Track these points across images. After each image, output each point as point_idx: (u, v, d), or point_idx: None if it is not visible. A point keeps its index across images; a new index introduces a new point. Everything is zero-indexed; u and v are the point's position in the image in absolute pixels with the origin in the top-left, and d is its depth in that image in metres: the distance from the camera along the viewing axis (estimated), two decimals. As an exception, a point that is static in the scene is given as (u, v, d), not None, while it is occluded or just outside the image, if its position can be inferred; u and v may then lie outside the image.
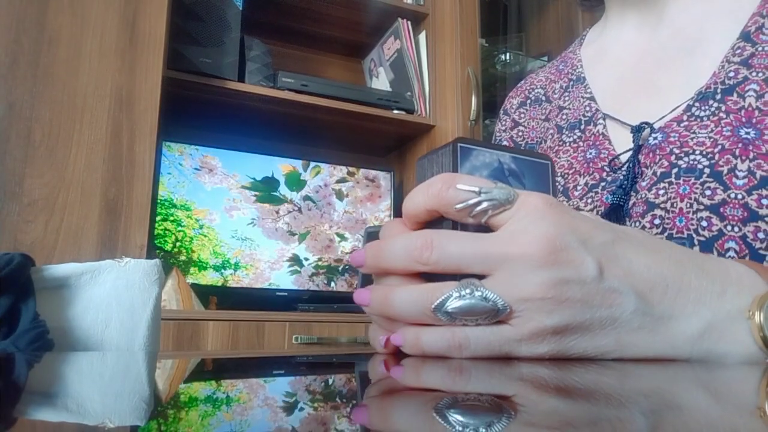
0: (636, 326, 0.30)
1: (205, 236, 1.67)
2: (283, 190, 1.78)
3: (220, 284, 1.66)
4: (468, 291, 0.29)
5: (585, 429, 0.15)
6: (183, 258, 1.63)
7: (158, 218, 1.62)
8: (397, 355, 0.33)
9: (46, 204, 1.26)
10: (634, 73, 0.59)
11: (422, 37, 1.95)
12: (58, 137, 1.29)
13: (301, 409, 0.19)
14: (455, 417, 0.16)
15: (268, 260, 1.73)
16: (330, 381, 0.28)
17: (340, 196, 1.86)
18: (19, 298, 0.53)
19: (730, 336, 0.31)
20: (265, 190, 1.75)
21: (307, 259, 1.77)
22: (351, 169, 1.90)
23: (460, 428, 0.15)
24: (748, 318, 0.31)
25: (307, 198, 1.80)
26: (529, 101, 0.70)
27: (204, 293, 1.60)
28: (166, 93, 1.43)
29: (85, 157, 1.31)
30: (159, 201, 1.63)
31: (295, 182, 1.80)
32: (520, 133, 0.69)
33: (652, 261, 0.32)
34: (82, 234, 1.27)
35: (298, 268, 1.75)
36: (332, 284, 1.78)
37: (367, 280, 0.37)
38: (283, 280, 1.73)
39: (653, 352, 0.31)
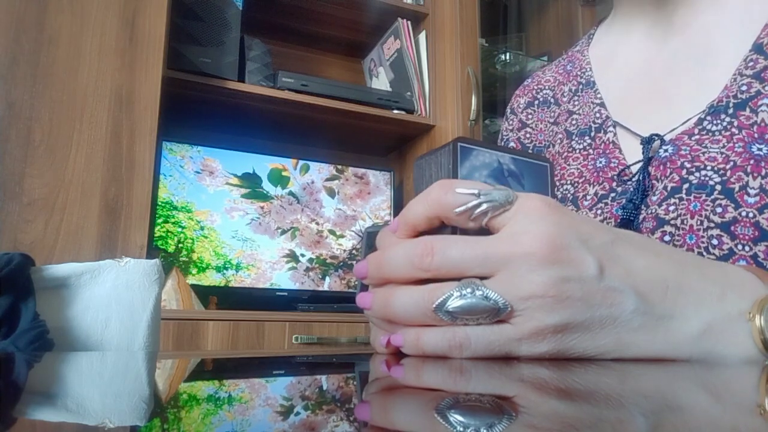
0: (636, 326, 0.30)
1: (206, 237, 1.67)
2: (267, 186, 1.78)
3: (222, 285, 1.66)
4: (469, 290, 0.29)
5: (586, 430, 0.15)
6: (186, 260, 1.63)
7: (160, 220, 1.62)
8: (398, 355, 0.33)
9: (46, 204, 1.26)
10: (643, 80, 0.58)
11: (422, 37, 1.95)
12: (58, 137, 1.29)
13: (302, 408, 0.19)
14: (456, 417, 0.16)
15: (269, 260, 1.73)
16: (331, 381, 0.28)
17: (330, 193, 1.86)
18: (19, 298, 0.53)
19: (729, 338, 0.31)
20: (250, 186, 1.75)
21: (303, 255, 1.77)
22: (339, 166, 1.90)
23: (462, 428, 0.15)
24: (748, 320, 0.31)
25: (290, 194, 1.80)
26: (536, 102, 0.69)
27: (204, 293, 1.60)
28: (166, 93, 1.43)
29: (85, 157, 1.31)
30: (160, 203, 1.63)
31: (278, 178, 1.80)
32: (528, 135, 0.68)
33: (653, 262, 0.32)
34: (82, 234, 1.27)
35: (295, 264, 1.76)
36: (326, 279, 1.79)
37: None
38: (284, 279, 1.74)
39: (653, 352, 0.31)
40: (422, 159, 0.37)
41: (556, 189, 0.58)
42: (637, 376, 0.25)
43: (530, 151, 0.67)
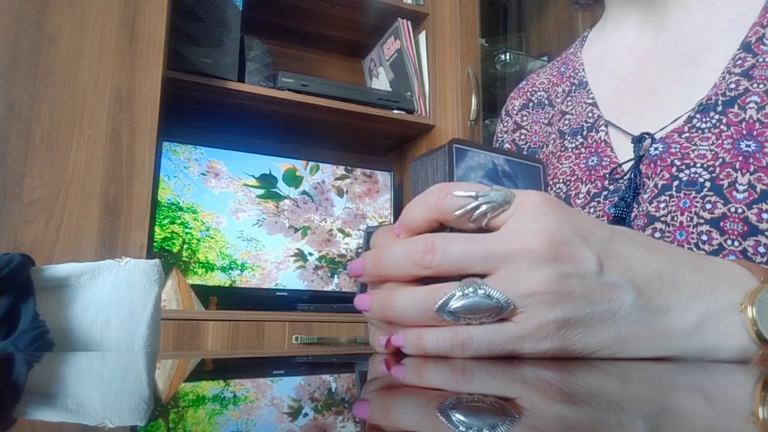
0: (634, 320, 0.30)
1: (212, 238, 1.68)
2: (282, 186, 1.79)
3: (228, 285, 1.66)
4: (471, 290, 0.29)
5: None
6: (191, 260, 1.63)
7: (165, 221, 1.62)
8: (398, 355, 0.33)
9: (46, 204, 1.26)
10: (634, 79, 0.59)
11: (422, 37, 1.95)
12: (58, 137, 1.29)
13: (302, 409, 0.19)
14: (458, 417, 0.16)
15: (274, 261, 1.73)
16: (331, 381, 0.28)
17: (339, 192, 1.87)
18: (19, 298, 0.53)
19: (723, 329, 0.32)
20: (265, 187, 1.76)
21: (311, 254, 1.78)
22: (349, 166, 1.91)
23: (464, 429, 0.15)
24: (741, 312, 0.32)
25: (304, 193, 1.81)
26: (531, 104, 0.70)
27: (205, 293, 1.60)
28: (166, 93, 1.43)
29: (85, 157, 1.31)
30: (166, 204, 1.63)
31: (292, 179, 1.81)
32: (523, 137, 0.69)
33: (648, 257, 0.32)
34: (82, 234, 1.27)
35: (303, 263, 1.76)
36: (335, 277, 1.79)
37: (366, 285, 0.37)
38: (290, 278, 1.74)
39: (651, 344, 0.31)
40: (418, 161, 0.37)
41: (549, 188, 0.58)
42: (638, 382, 0.26)
43: (525, 153, 0.67)
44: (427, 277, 0.31)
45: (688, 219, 0.46)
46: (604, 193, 0.54)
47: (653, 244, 0.34)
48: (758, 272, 0.34)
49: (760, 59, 0.49)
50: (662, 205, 0.48)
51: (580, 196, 0.55)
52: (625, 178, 0.53)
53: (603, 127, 0.58)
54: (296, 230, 1.78)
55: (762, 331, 0.31)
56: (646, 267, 0.32)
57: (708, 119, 0.49)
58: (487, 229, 0.31)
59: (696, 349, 0.32)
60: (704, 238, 0.45)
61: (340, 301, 1.69)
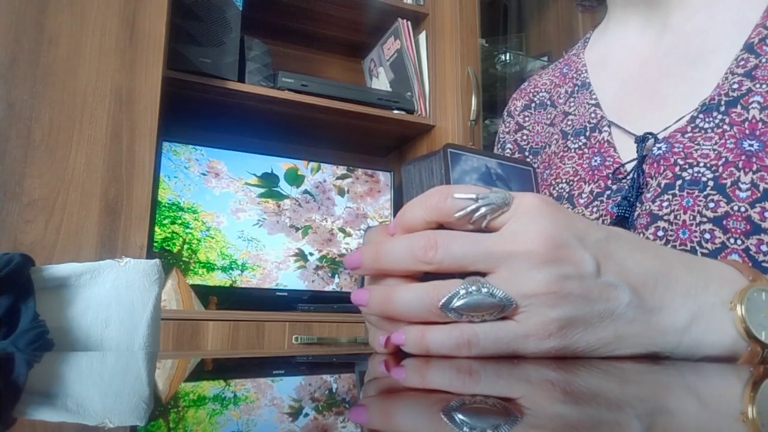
0: (631, 318, 0.31)
1: (213, 238, 1.68)
2: (284, 185, 1.79)
3: (228, 285, 1.66)
4: (474, 287, 0.30)
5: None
6: (192, 260, 1.63)
7: (166, 221, 1.62)
8: (398, 354, 0.33)
9: (46, 204, 1.26)
10: (637, 80, 0.59)
11: (422, 37, 1.95)
12: (58, 137, 1.29)
13: (302, 408, 0.19)
14: (460, 418, 0.16)
15: (274, 261, 1.73)
16: (331, 381, 0.28)
17: (341, 192, 1.87)
18: (19, 298, 0.53)
19: (714, 326, 0.33)
20: (267, 186, 1.76)
21: (311, 254, 1.78)
22: (350, 165, 1.91)
23: (467, 430, 0.15)
24: (730, 309, 0.33)
25: (305, 192, 1.81)
26: (533, 105, 0.70)
27: (205, 293, 1.60)
28: (165, 93, 1.43)
29: (85, 157, 1.31)
30: (166, 204, 1.63)
31: (294, 178, 1.81)
32: (525, 137, 0.69)
33: (642, 258, 0.33)
34: (82, 234, 1.27)
35: (304, 263, 1.76)
36: (336, 277, 1.79)
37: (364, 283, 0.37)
38: (291, 278, 1.74)
39: (646, 341, 0.32)
40: (411, 165, 0.38)
41: (551, 188, 0.59)
42: (636, 383, 0.26)
43: (527, 153, 0.68)
44: (425, 274, 0.32)
45: (691, 218, 0.46)
46: (607, 192, 0.54)
47: (646, 245, 0.35)
48: (747, 272, 0.35)
49: (763, 60, 0.50)
50: (665, 204, 0.48)
51: (583, 195, 0.56)
52: (628, 177, 0.53)
53: (606, 128, 0.58)
54: (297, 230, 1.78)
55: (750, 328, 0.32)
56: (640, 267, 0.33)
57: (711, 119, 0.50)
58: (485, 231, 0.32)
59: (688, 345, 0.33)
60: (707, 236, 0.45)
61: (341, 302, 1.69)
